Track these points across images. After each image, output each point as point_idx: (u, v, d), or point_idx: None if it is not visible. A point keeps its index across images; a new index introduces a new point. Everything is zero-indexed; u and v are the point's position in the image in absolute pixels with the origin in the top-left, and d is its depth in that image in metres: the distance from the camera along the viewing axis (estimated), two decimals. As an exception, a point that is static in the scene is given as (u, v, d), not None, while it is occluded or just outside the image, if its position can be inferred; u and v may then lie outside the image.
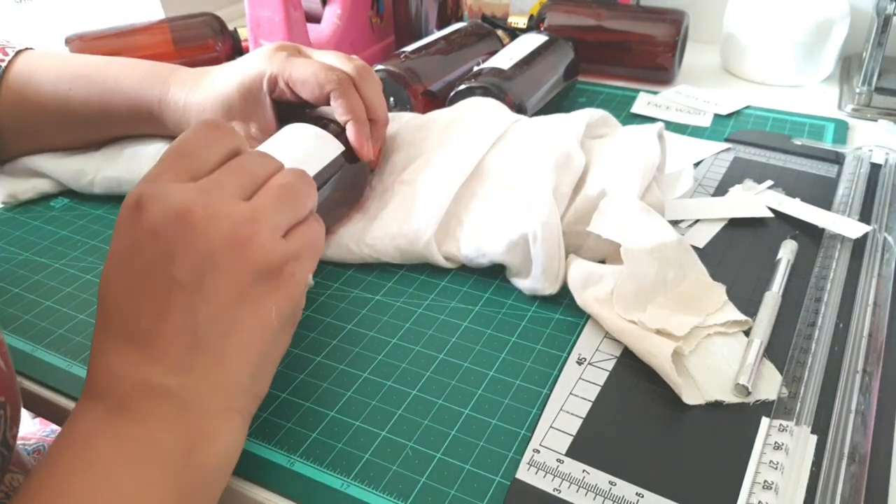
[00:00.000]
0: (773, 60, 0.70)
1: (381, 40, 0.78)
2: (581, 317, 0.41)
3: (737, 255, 0.45)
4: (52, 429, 0.64)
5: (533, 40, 0.64)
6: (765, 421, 0.34)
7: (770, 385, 0.36)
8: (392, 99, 0.60)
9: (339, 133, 0.46)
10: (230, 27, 0.75)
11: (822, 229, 0.47)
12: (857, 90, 0.66)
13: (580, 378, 0.37)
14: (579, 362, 0.38)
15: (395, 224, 0.45)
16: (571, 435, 0.34)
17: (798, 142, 0.58)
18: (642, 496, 0.31)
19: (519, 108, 0.56)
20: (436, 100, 0.60)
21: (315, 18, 0.72)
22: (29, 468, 0.48)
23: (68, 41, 0.69)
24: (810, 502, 0.30)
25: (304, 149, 0.43)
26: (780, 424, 0.33)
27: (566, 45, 0.66)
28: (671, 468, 0.32)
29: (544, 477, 0.32)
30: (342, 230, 0.47)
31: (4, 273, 0.48)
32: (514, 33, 0.74)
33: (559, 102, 0.64)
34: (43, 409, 0.40)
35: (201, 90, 0.49)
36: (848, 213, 0.48)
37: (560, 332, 0.41)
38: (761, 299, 0.41)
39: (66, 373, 0.40)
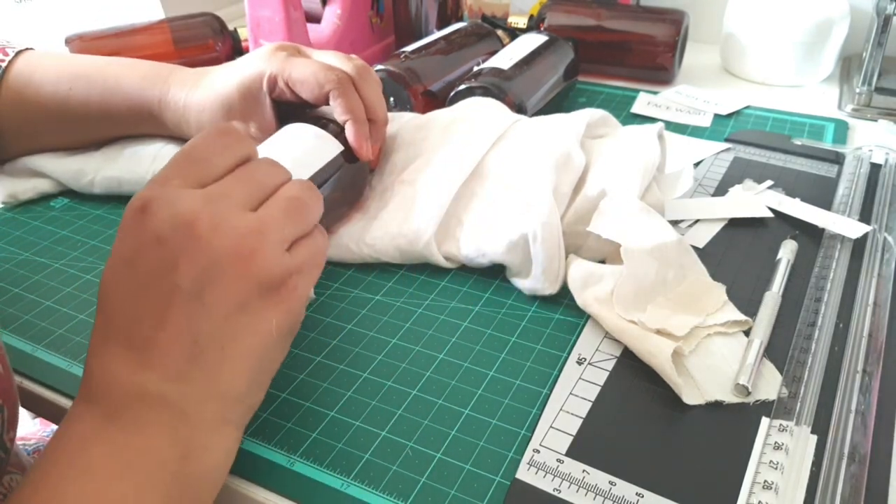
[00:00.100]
0: (773, 60, 0.70)
1: (381, 40, 0.78)
2: (581, 317, 0.41)
3: (737, 255, 0.45)
4: (52, 429, 0.64)
5: (533, 40, 0.64)
6: (765, 421, 0.34)
7: (770, 385, 0.36)
8: (392, 99, 0.60)
9: (339, 133, 0.46)
10: (230, 27, 0.75)
11: (822, 229, 0.47)
12: (857, 90, 0.66)
13: (580, 378, 0.37)
14: (579, 362, 0.38)
15: (395, 224, 0.45)
16: (571, 435, 0.34)
17: (798, 142, 0.58)
18: (642, 496, 0.31)
19: (519, 108, 0.56)
20: (436, 100, 0.60)
21: (315, 18, 0.72)
22: (28, 469, 0.48)
23: (68, 41, 0.69)
24: (810, 502, 0.30)
25: (303, 148, 0.43)
26: (780, 424, 0.33)
27: (566, 45, 0.66)
28: (671, 468, 0.32)
29: (544, 477, 0.32)
30: (342, 230, 0.47)
31: (4, 273, 0.48)
32: (514, 33, 0.74)
33: (559, 102, 0.64)
34: (43, 409, 0.40)
35: (201, 90, 0.49)
36: (848, 213, 0.48)
37: (560, 332, 0.41)
38: (761, 299, 0.41)
39: (66, 373, 0.40)
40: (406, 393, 0.37)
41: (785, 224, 0.48)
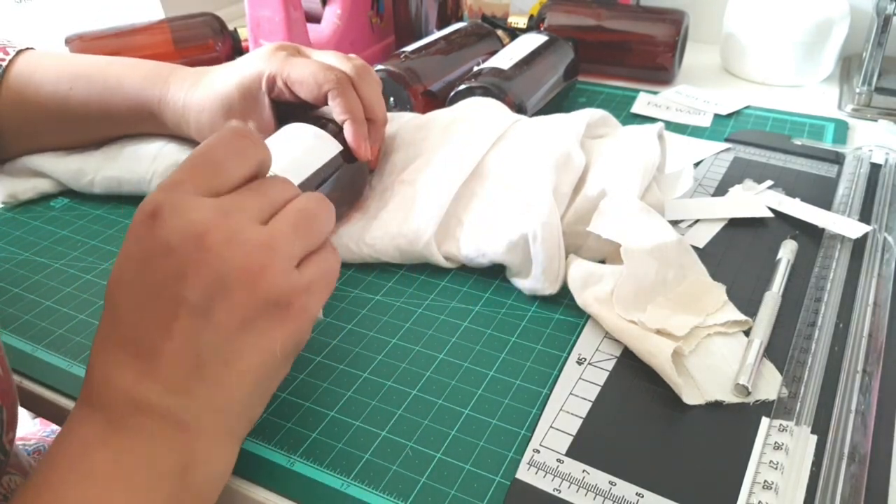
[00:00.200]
0: (773, 60, 0.70)
1: (381, 40, 0.78)
2: (581, 317, 0.41)
3: (737, 255, 0.45)
4: (52, 429, 0.64)
5: (533, 40, 0.64)
6: (765, 421, 0.34)
7: (770, 385, 0.36)
8: (392, 99, 0.60)
9: (338, 133, 0.46)
10: (230, 27, 0.75)
11: (822, 229, 0.47)
12: (857, 90, 0.66)
13: (580, 378, 0.37)
14: (579, 362, 0.38)
15: (395, 224, 0.45)
16: (571, 435, 0.34)
17: (798, 142, 0.58)
18: (642, 496, 0.31)
19: (519, 108, 0.56)
20: (436, 100, 0.60)
21: (315, 18, 0.72)
22: (28, 469, 0.48)
23: (68, 41, 0.69)
24: (810, 502, 0.30)
25: (301, 148, 0.43)
26: (780, 424, 0.33)
27: (566, 45, 0.66)
28: (671, 468, 0.32)
29: (544, 477, 0.32)
30: (342, 230, 0.47)
31: (4, 273, 0.48)
32: (514, 33, 0.74)
33: (559, 102, 0.64)
34: (43, 410, 0.40)
35: (201, 89, 0.49)
36: (848, 213, 0.48)
37: (560, 332, 0.41)
38: (761, 299, 0.41)
39: (66, 373, 0.40)
40: (406, 393, 0.37)
41: (785, 224, 0.48)
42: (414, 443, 0.34)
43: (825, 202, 0.50)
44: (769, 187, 0.52)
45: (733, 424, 0.34)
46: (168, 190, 0.29)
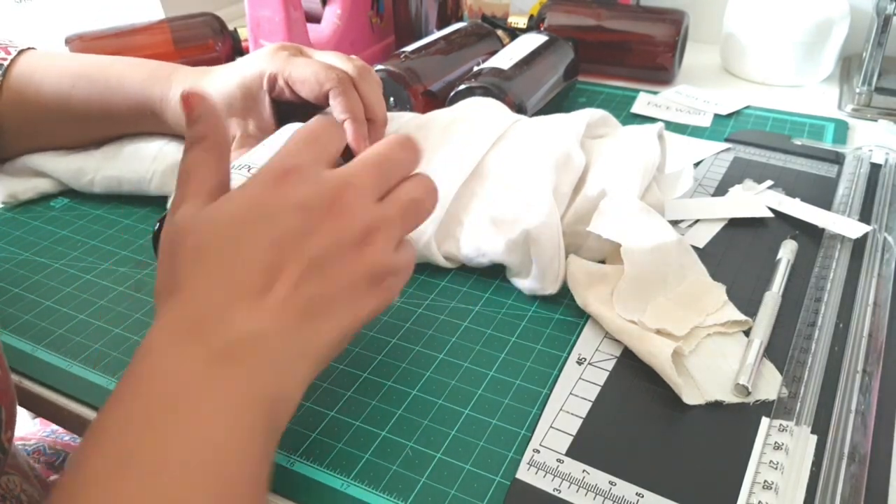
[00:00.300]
0: (773, 60, 0.70)
1: (381, 40, 0.78)
2: (581, 317, 0.41)
3: (737, 255, 0.45)
4: (52, 429, 0.64)
5: (533, 40, 0.64)
6: (765, 421, 0.34)
7: (770, 385, 0.36)
8: (392, 99, 0.60)
9: (339, 133, 0.46)
10: (230, 27, 0.75)
11: (822, 229, 0.47)
12: (857, 90, 0.66)
13: (580, 378, 0.37)
14: (579, 362, 0.38)
15: (395, 224, 0.45)
16: (571, 435, 0.34)
17: (798, 142, 0.58)
18: (642, 496, 0.31)
19: (519, 108, 0.56)
20: (436, 100, 0.60)
21: (315, 18, 0.72)
22: (26, 469, 0.48)
23: (68, 41, 0.69)
24: (810, 502, 0.30)
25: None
26: (780, 424, 0.33)
27: (566, 45, 0.66)
28: (671, 468, 0.32)
29: (544, 477, 0.32)
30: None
31: (4, 273, 0.48)
32: (514, 33, 0.74)
33: (559, 102, 0.64)
34: (43, 409, 0.40)
35: (202, 88, 0.49)
36: (848, 213, 0.48)
37: (560, 332, 0.41)
38: (761, 299, 0.41)
39: (66, 373, 0.40)
40: (406, 393, 0.37)
41: (785, 224, 0.48)
42: (414, 443, 0.34)
43: (825, 202, 0.50)
44: (769, 187, 0.52)
45: (733, 424, 0.34)
46: (293, 156, 0.32)
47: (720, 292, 0.41)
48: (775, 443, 0.33)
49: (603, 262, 0.43)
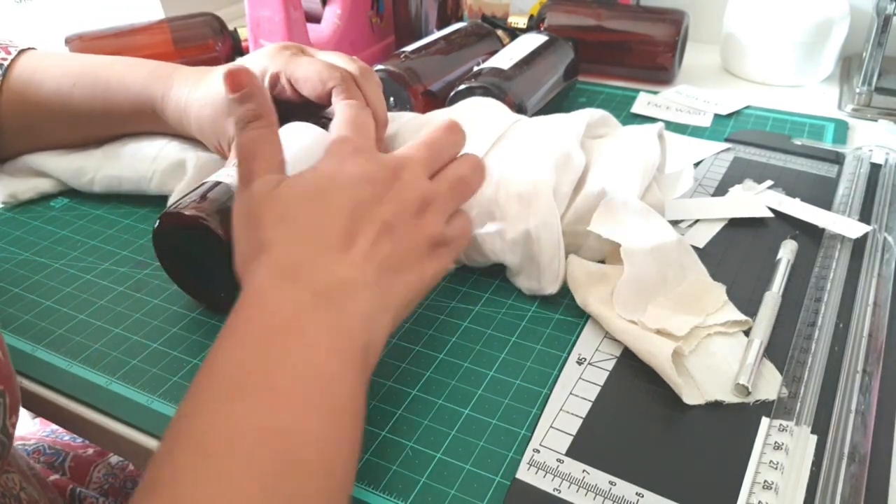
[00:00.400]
0: (773, 60, 0.70)
1: (381, 40, 0.78)
2: (581, 317, 0.41)
3: (737, 255, 0.45)
4: (52, 429, 0.64)
5: (533, 40, 0.64)
6: (765, 421, 0.34)
7: (770, 385, 0.36)
8: (392, 99, 0.60)
9: (339, 133, 0.46)
10: (230, 27, 0.75)
11: (822, 229, 0.47)
12: (857, 90, 0.66)
13: (580, 378, 0.37)
14: (579, 362, 0.38)
15: (395, 224, 0.45)
16: (571, 435, 0.34)
17: (798, 142, 0.58)
18: (642, 496, 0.31)
19: (519, 108, 0.56)
20: (436, 100, 0.60)
21: (315, 18, 0.72)
22: (25, 469, 0.47)
23: (68, 41, 0.69)
24: (810, 502, 0.30)
25: (303, 146, 0.43)
26: (780, 424, 0.33)
27: (566, 45, 0.66)
28: (671, 468, 0.32)
29: (544, 477, 0.32)
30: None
31: (4, 273, 0.48)
32: (514, 33, 0.74)
33: (559, 102, 0.64)
34: (43, 409, 0.40)
35: (203, 88, 0.49)
36: (848, 213, 0.48)
37: (560, 332, 0.41)
38: (761, 299, 0.41)
39: (65, 373, 0.40)
40: (406, 393, 0.37)
41: (785, 224, 0.48)
42: (414, 443, 0.34)
43: (825, 202, 0.50)
44: (769, 187, 0.52)
45: (733, 424, 0.34)
46: (353, 139, 0.37)
47: (720, 292, 0.41)
48: (775, 443, 0.33)
49: (603, 262, 0.43)
